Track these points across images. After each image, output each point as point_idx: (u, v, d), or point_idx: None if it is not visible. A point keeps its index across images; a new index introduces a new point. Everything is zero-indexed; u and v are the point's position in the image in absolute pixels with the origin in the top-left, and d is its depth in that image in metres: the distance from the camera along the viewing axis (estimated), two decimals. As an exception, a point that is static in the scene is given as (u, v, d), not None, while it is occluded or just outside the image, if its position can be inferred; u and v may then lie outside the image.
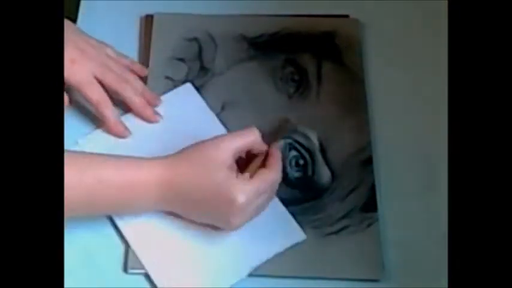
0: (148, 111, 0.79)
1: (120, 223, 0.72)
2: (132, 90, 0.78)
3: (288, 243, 0.71)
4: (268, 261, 0.70)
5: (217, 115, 0.80)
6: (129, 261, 0.70)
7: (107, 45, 0.81)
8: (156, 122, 0.79)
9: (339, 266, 0.70)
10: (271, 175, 0.69)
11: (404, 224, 0.73)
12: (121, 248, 0.71)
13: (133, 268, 0.70)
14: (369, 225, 0.72)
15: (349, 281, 0.70)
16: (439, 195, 0.73)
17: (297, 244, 0.71)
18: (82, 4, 0.89)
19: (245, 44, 0.86)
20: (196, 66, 0.84)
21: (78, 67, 0.76)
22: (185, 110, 0.80)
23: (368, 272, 0.70)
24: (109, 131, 0.77)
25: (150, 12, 0.88)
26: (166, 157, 0.69)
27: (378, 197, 0.75)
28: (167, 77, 0.83)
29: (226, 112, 0.80)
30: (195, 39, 0.86)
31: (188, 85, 0.82)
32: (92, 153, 0.70)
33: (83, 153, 0.71)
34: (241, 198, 0.66)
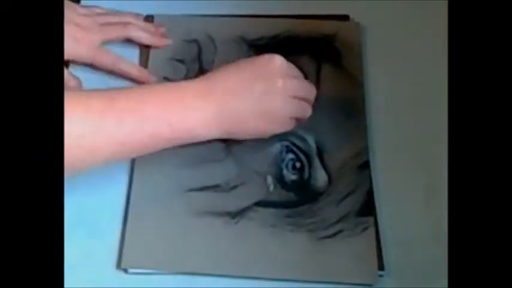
0: (156, 40, 0.84)
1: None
2: (136, 29, 0.83)
3: None
4: (263, 262, 0.70)
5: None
6: (123, 257, 0.70)
7: (92, 6, 0.85)
8: (168, 43, 0.84)
9: (332, 270, 0.70)
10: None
11: (404, 225, 0.73)
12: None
13: (128, 266, 0.70)
14: (364, 230, 0.72)
15: (343, 284, 0.69)
16: (439, 195, 0.73)
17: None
18: (82, 4, 0.89)
19: (245, 46, 0.86)
20: (195, 67, 0.84)
21: (84, 43, 0.80)
22: None
23: (362, 277, 0.69)
24: (136, 80, 0.82)
25: (150, 13, 0.88)
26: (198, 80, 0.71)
27: (377, 198, 0.74)
28: (166, 78, 0.83)
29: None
30: (195, 40, 0.86)
31: None
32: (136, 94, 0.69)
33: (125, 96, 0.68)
34: (279, 58, 0.70)
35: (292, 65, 0.73)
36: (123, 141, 0.66)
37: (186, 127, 0.68)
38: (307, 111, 0.74)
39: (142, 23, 0.85)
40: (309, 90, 0.74)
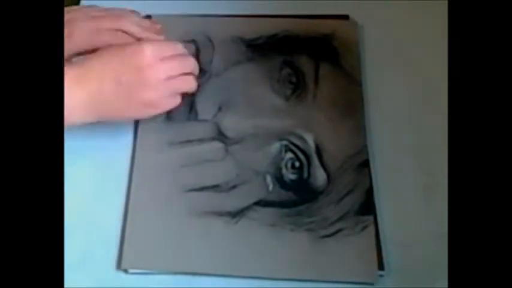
0: (148, 35, 0.80)
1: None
2: (129, 22, 0.79)
3: None
4: (263, 262, 0.70)
5: (214, 116, 0.80)
6: (123, 258, 0.70)
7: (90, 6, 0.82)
8: (160, 39, 0.80)
9: (333, 268, 0.70)
10: (175, 43, 0.75)
11: (404, 225, 0.73)
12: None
13: (128, 266, 0.70)
14: (363, 228, 0.72)
15: (343, 283, 0.69)
16: (439, 195, 0.73)
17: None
18: (82, 4, 0.89)
19: (243, 46, 0.86)
20: (194, 67, 0.84)
21: (78, 33, 0.76)
22: None
23: (362, 276, 0.70)
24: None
25: (148, 13, 0.88)
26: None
27: (377, 198, 0.75)
28: (164, 78, 0.83)
29: (222, 113, 0.80)
30: (193, 41, 0.86)
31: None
32: None
33: None
34: (147, 47, 0.71)
35: (165, 45, 0.74)
36: None
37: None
38: (191, 85, 0.75)
39: (137, 18, 0.82)
40: (187, 65, 0.75)
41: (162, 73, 0.72)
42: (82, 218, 0.73)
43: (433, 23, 0.85)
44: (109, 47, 0.73)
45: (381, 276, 0.70)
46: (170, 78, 0.73)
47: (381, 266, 0.70)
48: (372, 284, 0.70)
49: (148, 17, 0.87)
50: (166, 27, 0.85)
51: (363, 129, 0.79)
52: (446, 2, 0.59)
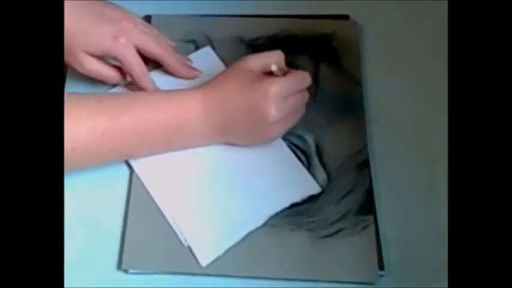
0: (189, 72, 0.82)
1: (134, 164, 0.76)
2: (173, 57, 0.81)
3: (303, 195, 0.74)
4: (263, 262, 0.70)
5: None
6: (123, 258, 0.70)
7: (133, 14, 0.83)
8: (196, 76, 0.82)
9: (333, 268, 0.70)
10: (300, 72, 0.74)
11: (404, 225, 0.73)
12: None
13: (129, 266, 0.70)
14: (364, 228, 0.72)
15: (343, 283, 0.69)
16: (439, 195, 0.73)
17: (312, 196, 0.74)
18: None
19: (243, 46, 0.86)
20: (193, 68, 0.84)
21: (123, 42, 0.77)
22: (206, 71, 0.82)
23: (363, 275, 0.70)
24: None
25: (148, 13, 0.88)
26: (202, 85, 0.75)
27: (377, 198, 0.75)
28: (164, 78, 0.83)
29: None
30: (193, 41, 0.86)
31: (208, 48, 0.84)
32: (127, 95, 0.77)
33: (115, 96, 0.76)
34: (273, 88, 0.71)
35: (288, 83, 0.72)
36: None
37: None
38: (302, 113, 0.76)
39: (174, 50, 0.83)
40: (305, 97, 0.75)
41: (286, 111, 0.72)
42: (82, 218, 0.73)
43: (433, 23, 0.85)
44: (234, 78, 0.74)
45: (381, 276, 0.70)
46: (291, 113, 0.74)
47: (381, 266, 0.70)
48: (372, 284, 0.70)
49: (148, 17, 0.88)
50: (166, 27, 0.85)
51: (363, 129, 0.79)
52: (446, 2, 0.59)
